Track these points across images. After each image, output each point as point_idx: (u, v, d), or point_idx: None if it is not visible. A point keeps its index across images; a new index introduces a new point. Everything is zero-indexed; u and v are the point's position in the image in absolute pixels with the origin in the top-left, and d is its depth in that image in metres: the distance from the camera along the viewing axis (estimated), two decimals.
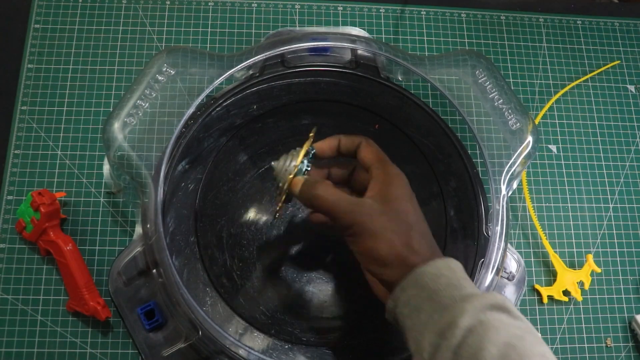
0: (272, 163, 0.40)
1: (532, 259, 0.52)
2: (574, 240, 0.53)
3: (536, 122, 0.55)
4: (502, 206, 0.44)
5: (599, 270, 0.51)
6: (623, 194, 0.55)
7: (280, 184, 0.39)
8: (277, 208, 0.41)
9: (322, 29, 0.55)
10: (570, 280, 0.50)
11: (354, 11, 0.58)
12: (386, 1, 0.59)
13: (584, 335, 0.50)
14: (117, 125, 0.44)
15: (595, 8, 0.61)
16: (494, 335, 0.28)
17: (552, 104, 0.57)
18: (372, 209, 0.34)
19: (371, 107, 0.52)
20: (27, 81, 0.52)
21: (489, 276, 0.43)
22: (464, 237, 0.48)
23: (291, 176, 0.39)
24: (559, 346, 0.49)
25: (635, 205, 0.55)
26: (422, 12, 0.59)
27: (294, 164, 0.39)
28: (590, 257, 0.51)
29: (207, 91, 0.45)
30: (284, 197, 0.40)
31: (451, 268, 0.32)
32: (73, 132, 0.51)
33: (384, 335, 0.46)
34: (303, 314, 0.47)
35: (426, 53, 0.57)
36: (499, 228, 0.44)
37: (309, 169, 0.40)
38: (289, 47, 0.47)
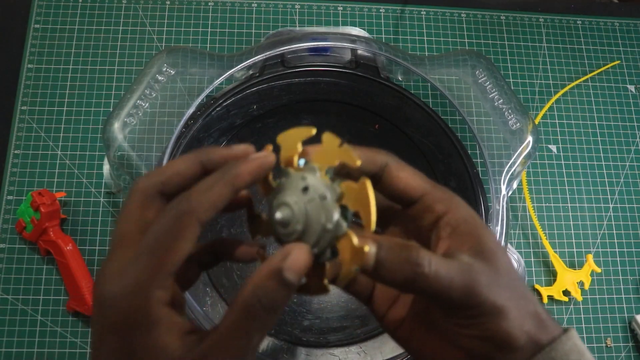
0: (278, 215, 0.23)
1: (532, 259, 0.52)
2: (574, 240, 0.53)
3: (536, 122, 0.55)
4: (502, 206, 0.44)
5: (599, 270, 0.51)
6: (623, 194, 0.55)
7: (340, 264, 0.23)
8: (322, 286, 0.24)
9: (322, 29, 0.55)
10: (570, 280, 0.50)
11: (353, 11, 0.58)
12: (386, 1, 0.59)
13: (584, 335, 0.50)
14: (117, 125, 0.44)
15: (595, 8, 0.61)
16: None
17: (552, 104, 0.57)
18: (486, 276, 0.24)
19: (371, 107, 0.52)
20: (27, 81, 0.52)
21: None
22: None
23: (358, 245, 0.22)
24: None
25: (635, 205, 0.55)
26: (422, 12, 0.59)
27: (336, 217, 0.23)
28: (590, 257, 0.51)
29: (207, 91, 0.45)
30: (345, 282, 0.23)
31: (579, 350, 0.25)
32: (73, 132, 0.51)
33: (385, 335, 0.46)
34: (303, 314, 0.47)
35: (426, 53, 0.57)
36: (499, 228, 0.44)
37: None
38: (289, 47, 0.47)
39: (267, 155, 0.25)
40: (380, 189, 0.26)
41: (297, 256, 0.22)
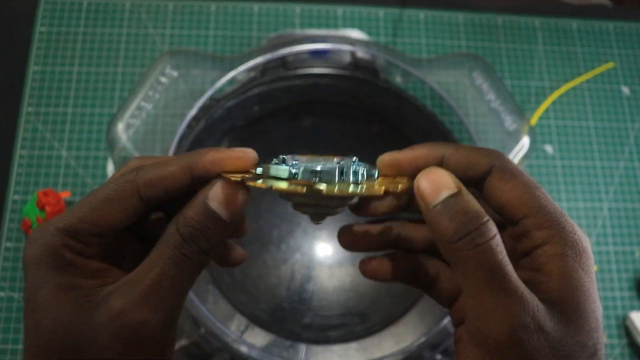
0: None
1: None
2: None
3: (532, 123, 0.56)
4: None
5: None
6: (618, 194, 0.56)
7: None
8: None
9: (322, 32, 0.56)
10: None
11: (353, 14, 0.59)
12: (385, 4, 0.60)
13: None
14: (121, 127, 0.45)
15: (590, 11, 0.62)
16: None
17: (548, 105, 0.58)
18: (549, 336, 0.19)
19: (370, 108, 0.53)
20: (32, 83, 0.53)
21: None
22: None
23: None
24: None
25: (629, 205, 0.55)
26: (420, 15, 0.60)
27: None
28: None
29: (209, 93, 0.46)
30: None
31: None
32: (78, 133, 0.52)
33: (384, 332, 0.47)
34: (303, 311, 0.48)
35: (424, 55, 0.58)
36: None
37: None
38: (289, 49, 0.48)
39: (244, 151, 0.23)
40: (489, 197, 0.22)
41: (223, 185, 0.21)
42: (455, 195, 0.20)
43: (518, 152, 0.48)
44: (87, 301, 0.20)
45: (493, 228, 0.20)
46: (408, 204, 0.24)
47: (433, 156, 0.23)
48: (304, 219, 0.50)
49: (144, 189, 0.22)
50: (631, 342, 0.51)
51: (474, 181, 0.22)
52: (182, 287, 0.21)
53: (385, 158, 0.24)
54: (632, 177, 0.56)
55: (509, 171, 0.21)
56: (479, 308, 0.19)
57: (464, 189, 0.21)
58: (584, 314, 0.19)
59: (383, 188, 0.22)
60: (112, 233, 0.22)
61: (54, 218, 0.22)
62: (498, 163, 0.22)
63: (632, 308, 0.52)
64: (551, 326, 0.19)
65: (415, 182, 0.22)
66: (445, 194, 0.20)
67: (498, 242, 0.19)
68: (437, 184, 0.21)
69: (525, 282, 0.20)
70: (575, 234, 0.20)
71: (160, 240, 0.21)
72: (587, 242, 0.21)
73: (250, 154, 0.23)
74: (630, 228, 0.55)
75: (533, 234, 0.20)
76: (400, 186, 0.22)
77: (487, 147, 0.22)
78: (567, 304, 0.19)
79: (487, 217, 0.20)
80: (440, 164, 0.22)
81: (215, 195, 0.21)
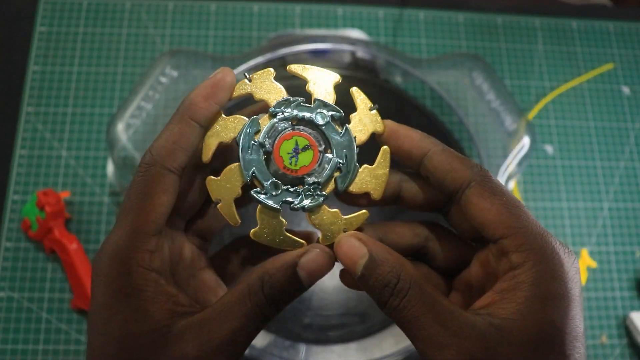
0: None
1: None
2: (570, 239, 0.54)
3: (532, 123, 0.56)
4: None
5: (594, 264, 0.52)
6: (618, 193, 0.56)
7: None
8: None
9: (322, 32, 0.56)
10: None
11: (353, 14, 0.59)
12: (385, 4, 0.60)
13: None
14: (120, 127, 0.45)
15: (590, 11, 0.62)
16: None
17: (549, 104, 0.58)
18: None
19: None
20: (32, 83, 0.53)
21: None
22: None
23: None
24: None
25: (630, 204, 0.55)
26: (420, 15, 0.60)
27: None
28: (585, 252, 0.52)
29: None
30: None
31: None
32: (78, 133, 0.52)
33: (384, 332, 0.47)
34: (303, 311, 0.48)
35: (424, 55, 0.58)
36: None
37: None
38: (289, 49, 0.48)
39: (219, 73, 0.23)
40: (451, 215, 0.22)
41: (317, 257, 0.22)
42: (367, 262, 0.21)
43: (518, 152, 0.48)
44: (159, 336, 0.20)
45: (404, 286, 0.20)
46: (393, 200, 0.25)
47: (421, 147, 0.23)
48: (304, 219, 0.50)
49: (169, 161, 0.21)
50: (631, 342, 0.51)
51: (450, 190, 0.22)
52: (252, 339, 0.21)
53: (390, 123, 0.25)
54: (632, 177, 0.56)
55: (488, 188, 0.21)
56: (415, 346, 0.20)
57: (373, 250, 0.21)
58: (544, 351, 0.18)
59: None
60: (164, 221, 0.21)
61: (110, 237, 0.21)
62: (478, 178, 0.21)
63: (632, 308, 0.52)
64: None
65: (335, 251, 0.23)
66: (360, 263, 0.21)
67: (411, 299, 0.20)
68: (351, 257, 0.21)
69: (489, 305, 0.20)
70: (554, 257, 0.19)
71: (241, 286, 0.21)
72: (569, 266, 0.19)
73: (226, 74, 0.23)
74: (630, 228, 0.55)
75: (510, 256, 0.20)
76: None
77: (474, 161, 0.22)
78: (523, 334, 0.18)
79: (396, 280, 0.20)
80: (423, 156, 0.23)
81: (307, 265, 0.21)
